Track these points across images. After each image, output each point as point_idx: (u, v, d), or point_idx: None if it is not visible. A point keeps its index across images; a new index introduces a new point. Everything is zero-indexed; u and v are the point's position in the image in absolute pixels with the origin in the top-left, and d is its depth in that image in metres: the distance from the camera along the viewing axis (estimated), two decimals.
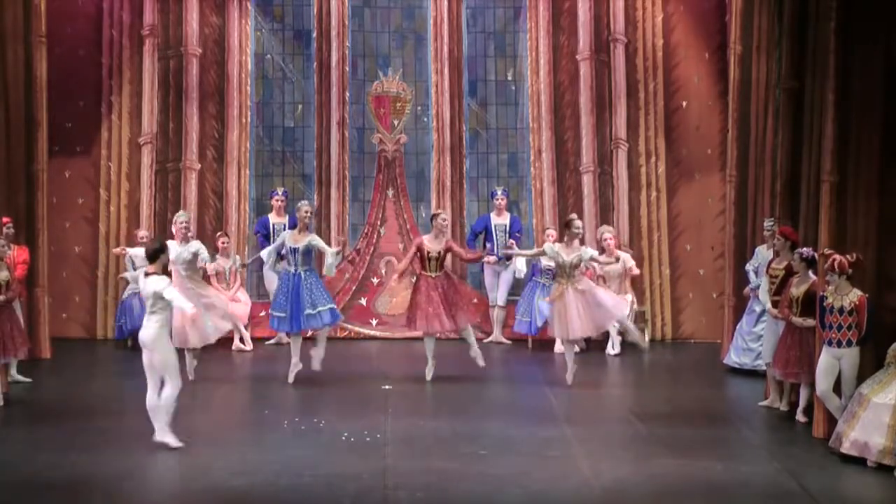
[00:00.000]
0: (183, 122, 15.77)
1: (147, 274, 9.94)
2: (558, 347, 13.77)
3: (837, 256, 9.91)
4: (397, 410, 11.38)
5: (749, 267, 13.06)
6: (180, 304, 9.81)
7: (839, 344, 9.95)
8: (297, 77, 15.99)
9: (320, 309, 12.54)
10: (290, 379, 12.50)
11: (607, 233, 14.92)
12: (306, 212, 12.78)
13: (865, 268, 10.00)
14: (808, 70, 11.09)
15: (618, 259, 14.10)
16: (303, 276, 12.62)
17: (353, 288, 15.75)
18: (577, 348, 13.15)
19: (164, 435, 9.80)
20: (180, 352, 11.17)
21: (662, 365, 14.45)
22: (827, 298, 10.00)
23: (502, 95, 16.08)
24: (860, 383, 9.74)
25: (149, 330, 9.80)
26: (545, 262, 14.60)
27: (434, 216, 13.03)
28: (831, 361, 10.03)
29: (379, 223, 15.87)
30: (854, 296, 9.86)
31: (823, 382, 10.11)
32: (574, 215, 13.03)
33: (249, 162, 15.89)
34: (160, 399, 9.81)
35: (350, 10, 15.98)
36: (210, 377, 13.15)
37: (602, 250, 14.95)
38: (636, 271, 15.08)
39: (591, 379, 12.93)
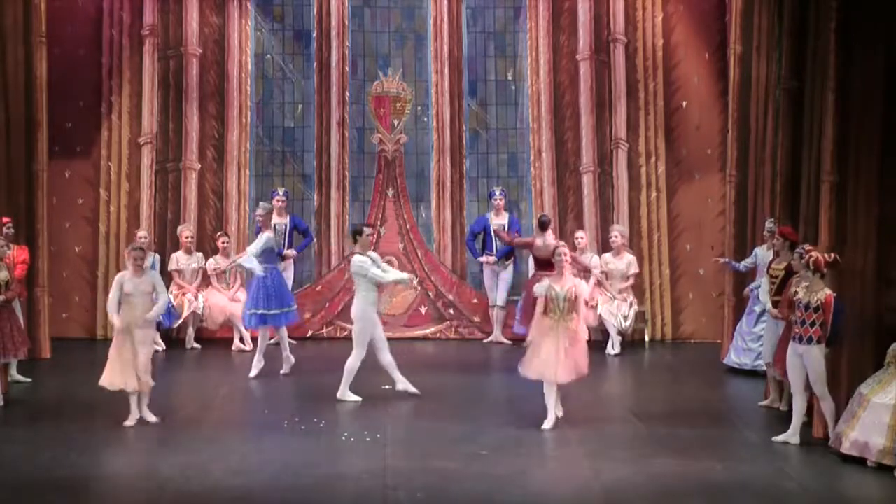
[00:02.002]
0: (183, 122, 15.77)
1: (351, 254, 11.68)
2: None
3: (815, 253, 10.03)
4: (397, 410, 11.39)
5: (744, 262, 13.11)
6: (394, 276, 12.17)
7: (800, 340, 10.05)
8: (297, 77, 15.99)
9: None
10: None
11: (615, 232, 14.96)
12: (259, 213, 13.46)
13: (842, 268, 10.06)
14: (808, 70, 11.08)
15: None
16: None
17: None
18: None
19: (345, 395, 11.62)
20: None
21: (662, 365, 14.45)
22: (798, 293, 10.09)
23: (502, 95, 16.08)
24: (859, 383, 9.75)
25: (355, 305, 11.78)
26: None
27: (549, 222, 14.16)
28: (795, 358, 10.16)
29: (379, 223, 15.86)
30: (822, 294, 9.92)
31: (790, 376, 10.32)
32: (562, 245, 11.04)
33: (249, 162, 15.89)
34: (346, 364, 11.65)
35: (350, 10, 15.98)
36: (210, 377, 13.16)
37: (609, 248, 15.04)
38: (633, 270, 15.02)
39: (592, 379, 12.90)
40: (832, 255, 9.97)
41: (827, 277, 10.02)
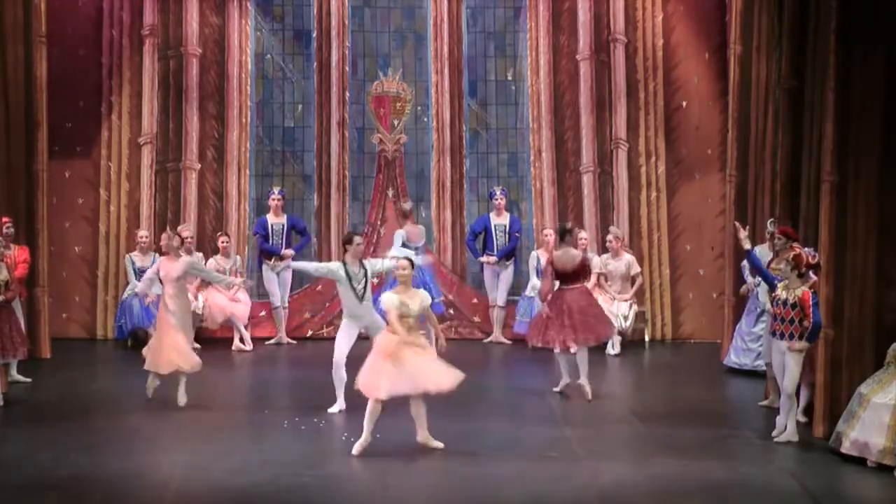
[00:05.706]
0: (183, 122, 15.78)
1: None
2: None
3: (798, 249, 10.20)
4: (398, 411, 11.37)
5: (745, 263, 13.10)
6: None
7: (782, 336, 10.14)
8: (297, 77, 16.00)
9: None
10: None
11: (610, 234, 14.95)
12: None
13: (827, 271, 10.10)
14: (808, 70, 11.08)
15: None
16: None
17: None
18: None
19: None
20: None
21: (662, 365, 14.45)
22: (778, 289, 10.19)
23: (502, 95, 16.09)
24: (859, 383, 9.75)
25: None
26: (545, 261, 14.64)
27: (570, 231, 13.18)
28: (778, 356, 10.24)
29: (379, 223, 15.87)
30: (800, 291, 10.00)
31: (777, 375, 10.45)
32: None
33: (249, 162, 15.90)
34: None
35: (350, 10, 16.00)
36: (210, 377, 13.14)
37: (607, 250, 15.04)
38: (634, 270, 14.99)
39: (592, 379, 12.89)
40: (815, 256, 10.06)
41: (807, 278, 10.09)
